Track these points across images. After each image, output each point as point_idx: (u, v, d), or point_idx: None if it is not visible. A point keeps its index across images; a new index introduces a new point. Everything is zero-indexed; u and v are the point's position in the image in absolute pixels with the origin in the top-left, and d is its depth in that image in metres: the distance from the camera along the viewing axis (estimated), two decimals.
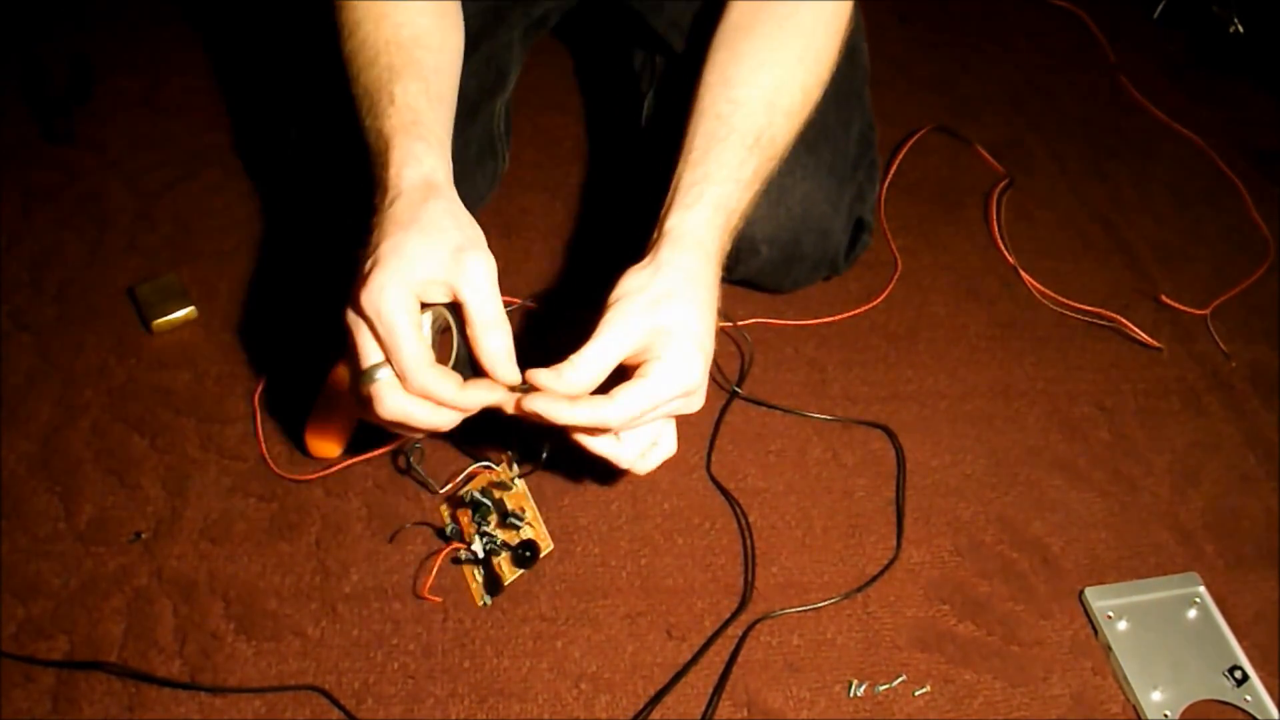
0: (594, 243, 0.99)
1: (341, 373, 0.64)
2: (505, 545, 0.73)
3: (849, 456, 0.84)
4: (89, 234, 0.95)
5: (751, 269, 0.90)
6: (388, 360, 0.60)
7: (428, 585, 0.72)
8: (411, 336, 0.59)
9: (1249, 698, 0.71)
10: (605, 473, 0.78)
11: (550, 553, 0.74)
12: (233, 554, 0.73)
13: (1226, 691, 0.71)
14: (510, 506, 0.74)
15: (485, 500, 0.74)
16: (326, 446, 0.77)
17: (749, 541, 0.77)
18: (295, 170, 0.90)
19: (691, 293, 0.64)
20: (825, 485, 0.81)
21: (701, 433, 0.84)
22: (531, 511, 0.75)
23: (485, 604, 0.72)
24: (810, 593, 0.74)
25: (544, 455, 0.72)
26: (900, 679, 0.70)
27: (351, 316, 0.60)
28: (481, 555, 0.72)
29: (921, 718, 0.69)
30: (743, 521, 0.78)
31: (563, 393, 0.60)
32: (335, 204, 0.85)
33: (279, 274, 0.93)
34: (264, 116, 1.07)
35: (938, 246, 1.04)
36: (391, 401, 0.60)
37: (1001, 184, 1.11)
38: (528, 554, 0.72)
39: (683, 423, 0.83)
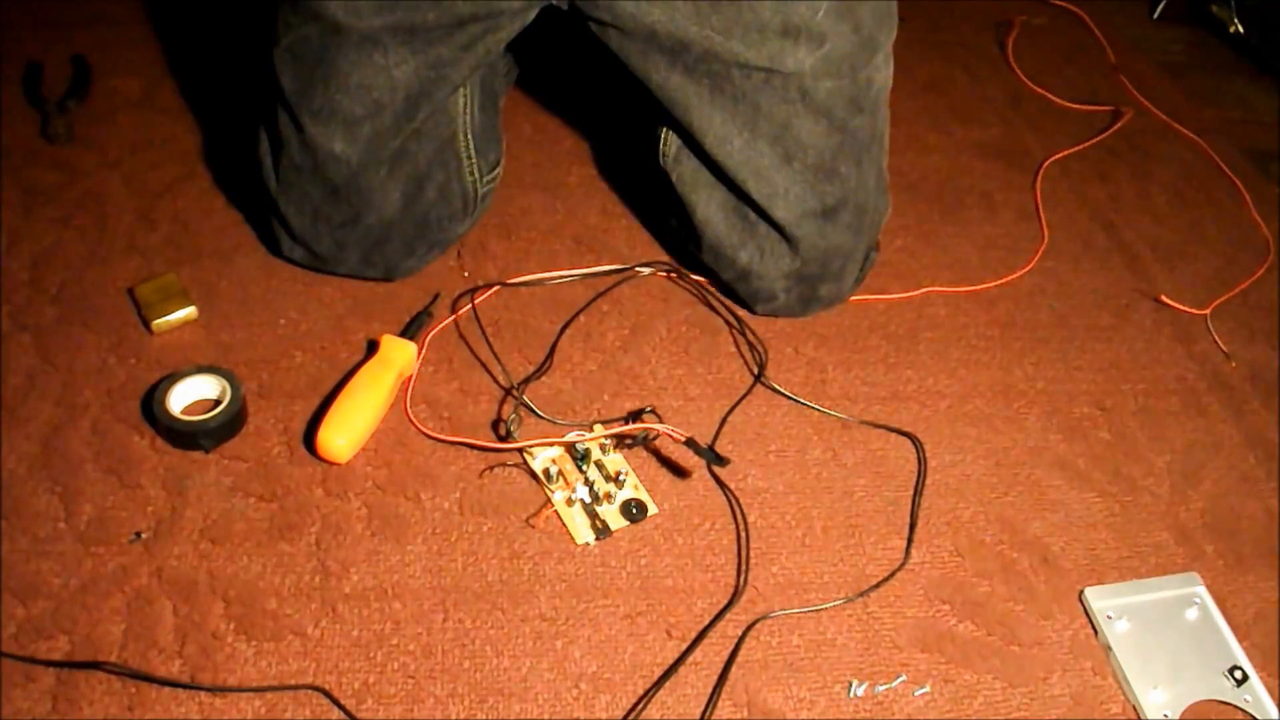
0: (595, 241, 0.99)
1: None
2: (609, 497, 0.77)
3: (849, 456, 0.84)
4: (89, 234, 0.95)
5: (768, 310, 0.93)
6: None
7: (543, 515, 0.76)
8: None
9: (1249, 698, 0.71)
10: None
11: (580, 547, 0.75)
12: (233, 554, 0.73)
13: (1226, 691, 0.71)
14: (610, 470, 0.79)
15: (590, 447, 0.79)
16: (341, 449, 0.77)
17: (749, 541, 0.77)
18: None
19: None
20: (825, 485, 0.81)
21: (702, 433, 0.84)
22: (633, 478, 0.79)
23: (588, 543, 0.75)
24: (810, 593, 0.74)
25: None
26: (900, 679, 0.70)
27: None
28: (588, 500, 0.77)
29: (921, 718, 0.69)
30: (742, 521, 0.78)
31: None
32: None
33: (279, 274, 0.93)
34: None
35: (938, 246, 1.04)
36: None
37: (1002, 184, 1.11)
38: (635, 510, 0.77)
39: (683, 422, 0.84)
